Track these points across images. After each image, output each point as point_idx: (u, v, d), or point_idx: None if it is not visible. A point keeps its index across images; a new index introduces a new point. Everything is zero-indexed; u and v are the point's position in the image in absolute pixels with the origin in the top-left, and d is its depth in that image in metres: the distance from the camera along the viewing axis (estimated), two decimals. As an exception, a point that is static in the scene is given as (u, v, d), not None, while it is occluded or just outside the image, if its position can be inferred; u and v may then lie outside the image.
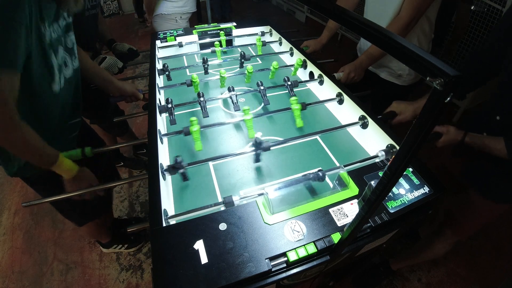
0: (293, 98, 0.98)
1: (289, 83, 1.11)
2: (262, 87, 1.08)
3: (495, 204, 0.98)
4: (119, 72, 1.37)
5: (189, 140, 0.96)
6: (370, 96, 1.27)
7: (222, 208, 0.67)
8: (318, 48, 1.50)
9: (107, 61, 1.31)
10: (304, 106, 0.98)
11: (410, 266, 1.48)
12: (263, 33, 1.60)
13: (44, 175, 0.94)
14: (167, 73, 1.20)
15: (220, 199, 0.77)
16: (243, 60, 1.28)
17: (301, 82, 1.17)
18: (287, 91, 1.13)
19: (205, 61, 1.24)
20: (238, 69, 1.32)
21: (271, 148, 0.81)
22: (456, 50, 2.30)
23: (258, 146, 0.80)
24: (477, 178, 1.02)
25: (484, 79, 0.98)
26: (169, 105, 0.98)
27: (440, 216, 1.47)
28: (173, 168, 0.74)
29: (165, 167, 0.75)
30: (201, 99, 1.01)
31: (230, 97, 1.05)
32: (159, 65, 1.33)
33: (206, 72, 1.26)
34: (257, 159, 0.83)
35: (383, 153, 0.79)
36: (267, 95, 1.09)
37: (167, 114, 1.01)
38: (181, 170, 0.74)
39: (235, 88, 1.06)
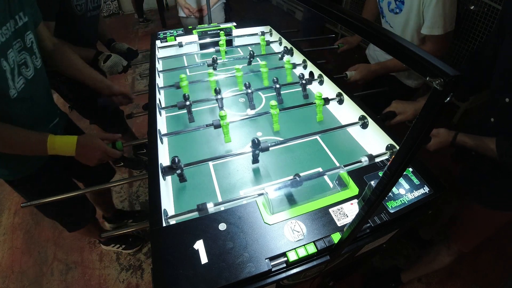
0: (318, 93, 1.01)
1: (303, 81, 1.12)
2: (277, 85, 1.08)
3: (493, 212, 0.98)
4: (124, 71, 1.36)
5: (190, 140, 0.96)
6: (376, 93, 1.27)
7: (222, 208, 0.67)
8: (355, 43, 1.56)
9: (112, 59, 1.30)
10: (327, 101, 1.01)
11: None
12: (263, 33, 1.59)
13: (28, 178, 0.95)
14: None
15: (220, 199, 0.77)
16: (251, 60, 1.30)
17: (297, 83, 1.17)
18: (299, 90, 1.15)
19: (214, 61, 1.25)
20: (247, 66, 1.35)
21: (270, 148, 0.81)
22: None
23: (256, 147, 0.79)
24: (473, 185, 1.02)
25: (485, 81, 0.97)
26: (187, 102, 0.98)
27: (443, 218, 1.47)
28: (170, 169, 0.74)
29: (162, 169, 0.75)
30: (218, 96, 1.02)
31: (247, 94, 1.06)
32: (159, 65, 1.33)
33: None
34: (255, 159, 0.83)
35: (367, 158, 0.79)
36: (253, 96, 1.09)
37: (185, 111, 1.03)
38: (178, 171, 0.74)
39: (226, 90, 1.06)
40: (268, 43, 1.45)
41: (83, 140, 0.84)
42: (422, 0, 1.07)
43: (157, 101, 1.00)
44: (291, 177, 0.70)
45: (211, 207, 0.66)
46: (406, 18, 1.17)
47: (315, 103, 1.00)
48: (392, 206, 0.67)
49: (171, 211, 0.72)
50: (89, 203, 1.30)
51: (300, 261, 0.59)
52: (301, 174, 0.71)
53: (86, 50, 1.28)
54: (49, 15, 1.06)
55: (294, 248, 0.58)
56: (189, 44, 1.46)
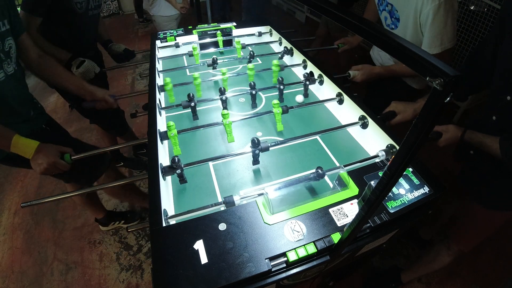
0: (275, 101, 0.93)
1: (281, 87, 1.09)
2: (253, 91, 1.07)
3: (493, 212, 0.98)
4: (96, 77, 1.35)
5: (190, 140, 0.96)
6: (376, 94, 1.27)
7: (222, 208, 0.67)
8: (355, 43, 1.55)
9: (85, 65, 1.29)
10: (286, 109, 0.95)
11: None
12: (260, 34, 1.59)
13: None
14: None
15: (220, 199, 0.76)
16: (251, 59, 1.31)
17: (300, 82, 1.17)
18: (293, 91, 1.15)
19: (214, 61, 1.25)
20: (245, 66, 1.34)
21: (270, 148, 0.81)
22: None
23: (256, 147, 0.79)
24: (473, 185, 1.02)
25: (485, 81, 0.97)
26: (192, 103, 0.99)
27: (443, 218, 1.47)
28: (170, 169, 0.74)
29: (162, 168, 0.75)
30: (223, 97, 1.02)
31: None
32: (159, 65, 1.33)
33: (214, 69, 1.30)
34: (255, 160, 0.83)
35: (383, 153, 0.79)
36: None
37: (187, 111, 1.04)
38: (178, 171, 0.74)
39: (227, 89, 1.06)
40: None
41: (41, 147, 0.89)
42: (418, 19, 1.06)
43: (157, 101, 1.00)
44: (292, 177, 0.70)
45: (237, 200, 0.66)
46: (402, 34, 1.15)
47: (272, 111, 0.94)
48: (392, 206, 0.67)
49: (171, 211, 0.72)
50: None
51: (300, 261, 0.59)
52: (301, 174, 0.71)
53: (61, 52, 1.26)
54: (35, 10, 1.07)
55: (294, 248, 0.58)
56: (188, 44, 1.45)
